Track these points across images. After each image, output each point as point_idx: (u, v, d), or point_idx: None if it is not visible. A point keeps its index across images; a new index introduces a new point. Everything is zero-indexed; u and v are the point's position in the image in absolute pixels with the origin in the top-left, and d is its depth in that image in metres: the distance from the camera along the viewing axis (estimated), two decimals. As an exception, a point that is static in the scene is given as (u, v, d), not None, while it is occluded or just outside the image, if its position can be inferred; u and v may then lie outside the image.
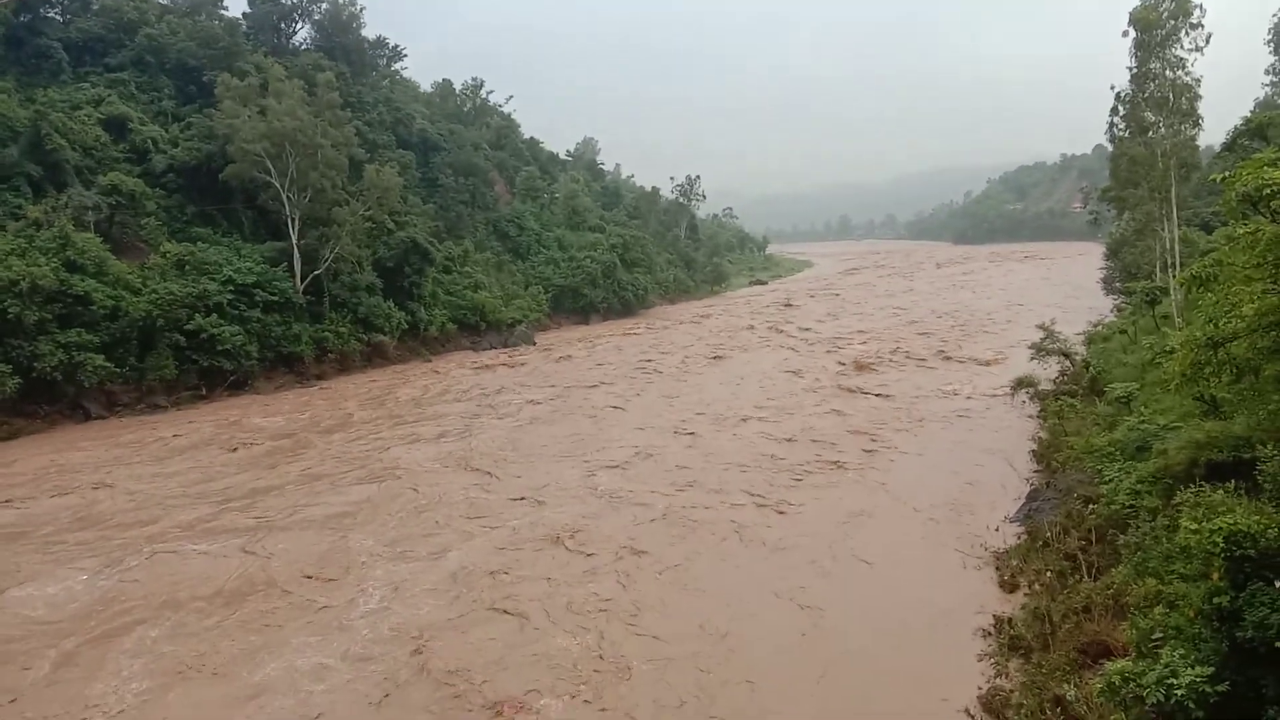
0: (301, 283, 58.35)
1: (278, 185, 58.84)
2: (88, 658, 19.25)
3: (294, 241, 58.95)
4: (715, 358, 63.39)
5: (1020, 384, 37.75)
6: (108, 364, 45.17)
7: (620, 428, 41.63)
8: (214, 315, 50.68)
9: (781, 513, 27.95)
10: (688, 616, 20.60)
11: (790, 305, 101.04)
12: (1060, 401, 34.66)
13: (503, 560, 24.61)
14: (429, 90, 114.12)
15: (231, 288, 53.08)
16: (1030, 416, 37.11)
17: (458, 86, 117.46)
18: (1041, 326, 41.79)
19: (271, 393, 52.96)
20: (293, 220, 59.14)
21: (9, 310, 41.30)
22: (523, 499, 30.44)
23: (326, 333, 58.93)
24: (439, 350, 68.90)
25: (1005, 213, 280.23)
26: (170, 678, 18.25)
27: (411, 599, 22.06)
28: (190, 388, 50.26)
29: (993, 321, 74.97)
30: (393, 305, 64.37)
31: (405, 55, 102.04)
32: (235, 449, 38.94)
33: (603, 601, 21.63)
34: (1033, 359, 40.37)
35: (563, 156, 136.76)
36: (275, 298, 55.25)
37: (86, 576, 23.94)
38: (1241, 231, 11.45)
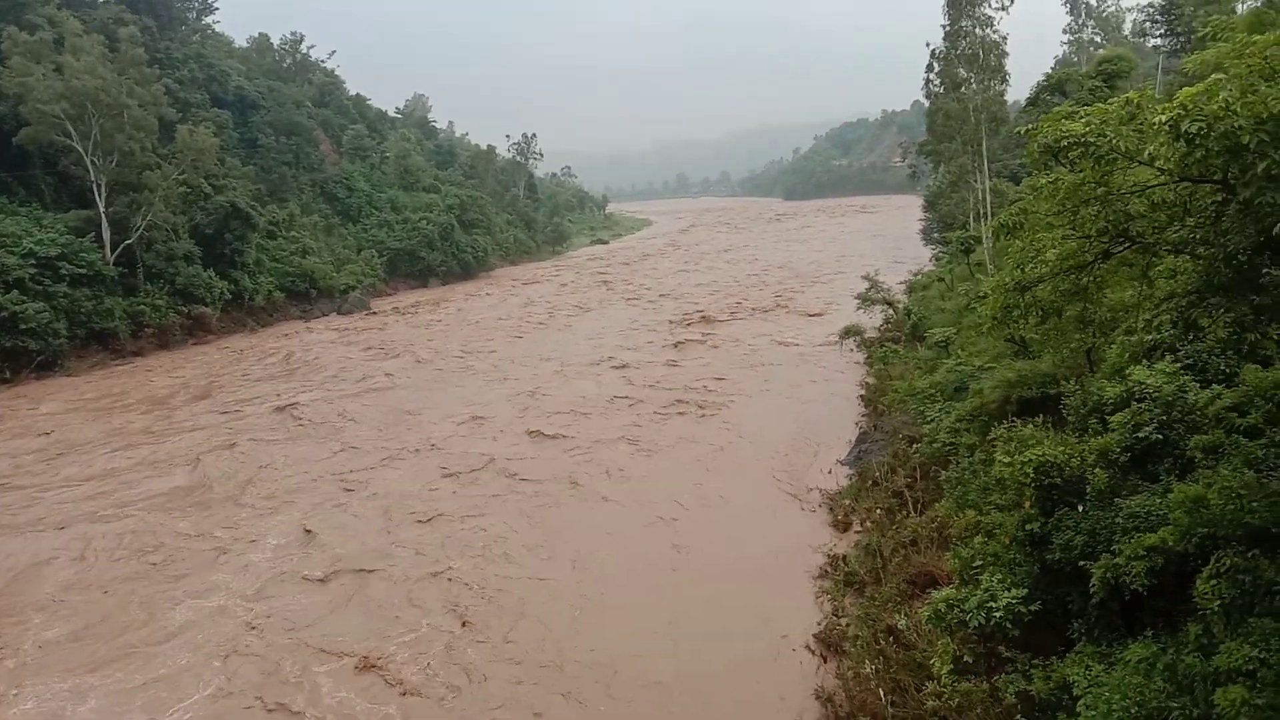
0: (112, 253, 54.38)
1: (80, 149, 54.43)
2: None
3: (101, 209, 54.78)
4: (567, 315, 63.59)
5: (848, 332, 39.30)
6: (-110, 348, 41.06)
7: (482, 383, 42.41)
8: (14, 291, 46.65)
9: (644, 455, 29.49)
10: (564, 553, 21.81)
11: (633, 263, 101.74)
12: (885, 348, 36.37)
13: (386, 506, 25.72)
14: (245, 45, 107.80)
15: (33, 261, 48.85)
16: (858, 363, 38.77)
17: (276, 41, 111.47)
18: (866, 277, 43.54)
19: (85, 373, 49.31)
20: (99, 186, 54.94)
21: None
22: (396, 453, 31.31)
23: (142, 306, 55.29)
24: (267, 320, 65.79)
25: (831, 168, 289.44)
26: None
27: (279, 565, 22.36)
28: (-10, 370, 46.28)
29: (822, 273, 77.68)
30: (214, 274, 60.88)
31: (216, 9, 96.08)
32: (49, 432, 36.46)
33: (488, 540, 22.79)
34: (859, 308, 42.03)
35: (392, 114, 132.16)
36: (83, 270, 51.30)
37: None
38: (1043, 181, 12.10)
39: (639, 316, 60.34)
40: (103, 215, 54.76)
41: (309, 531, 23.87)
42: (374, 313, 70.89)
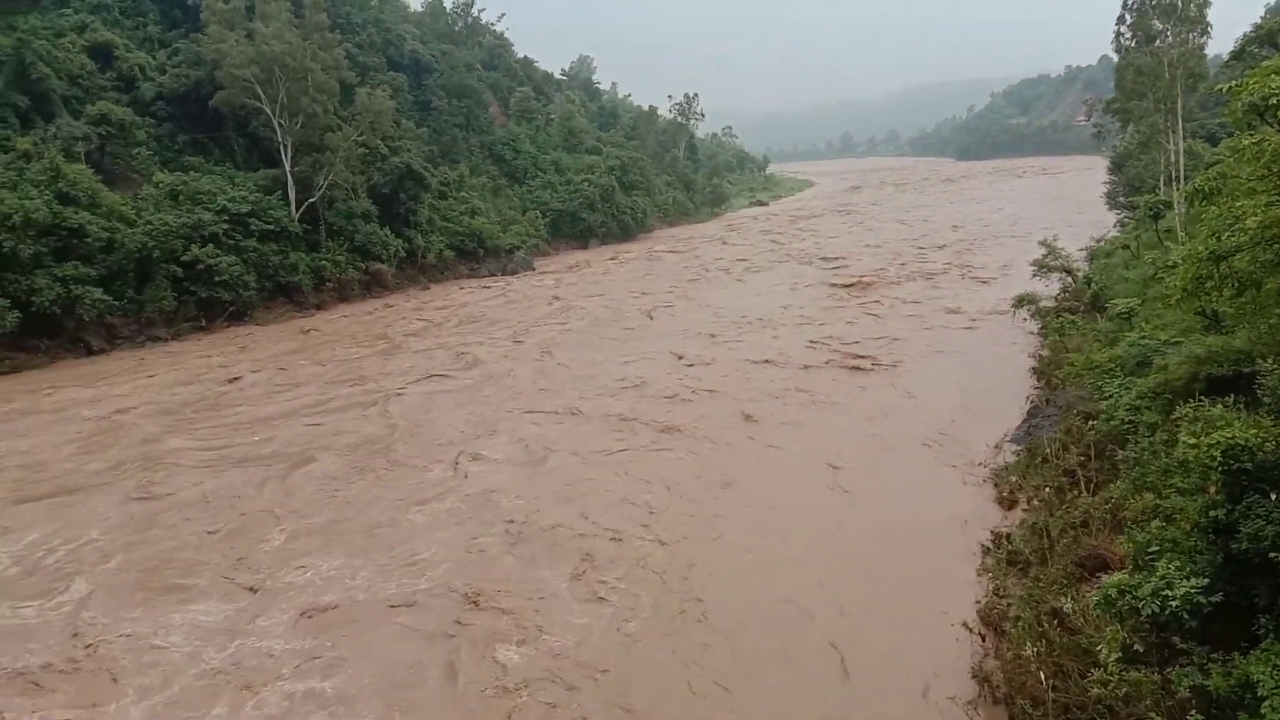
0: (297, 211, 57.69)
1: (269, 111, 57.84)
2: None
3: (287, 169, 58.16)
4: (727, 275, 63.84)
5: (1021, 301, 37.53)
6: (106, 297, 44.90)
7: (653, 335, 44.39)
8: (210, 245, 50.17)
9: (808, 411, 30.15)
10: (731, 498, 23.15)
11: (793, 224, 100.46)
12: (1061, 318, 34.60)
13: (577, 433, 29.11)
14: (419, 9, 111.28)
15: (226, 217, 52.36)
16: (1031, 333, 37.14)
17: (448, 5, 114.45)
18: (1043, 243, 41.41)
19: (271, 323, 52.76)
20: (285, 147, 58.27)
21: (3, 244, 40.89)
22: (574, 396, 33.87)
23: (324, 261, 58.44)
24: (437, 278, 68.32)
25: (1008, 127, 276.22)
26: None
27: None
28: (189, 319, 50.00)
29: (995, 237, 74.50)
30: (389, 233, 63.62)
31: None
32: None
33: (665, 477, 24.68)
34: (1034, 275, 40.08)
35: (557, 76, 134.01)
36: (271, 226, 54.67)
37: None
38: (1247, 143, 11.21)
39: (800, 277, 59.78)
40: (288, 174, 58.10)
41: (497, 460, 26.80)
42: (538, 272, 72.62)
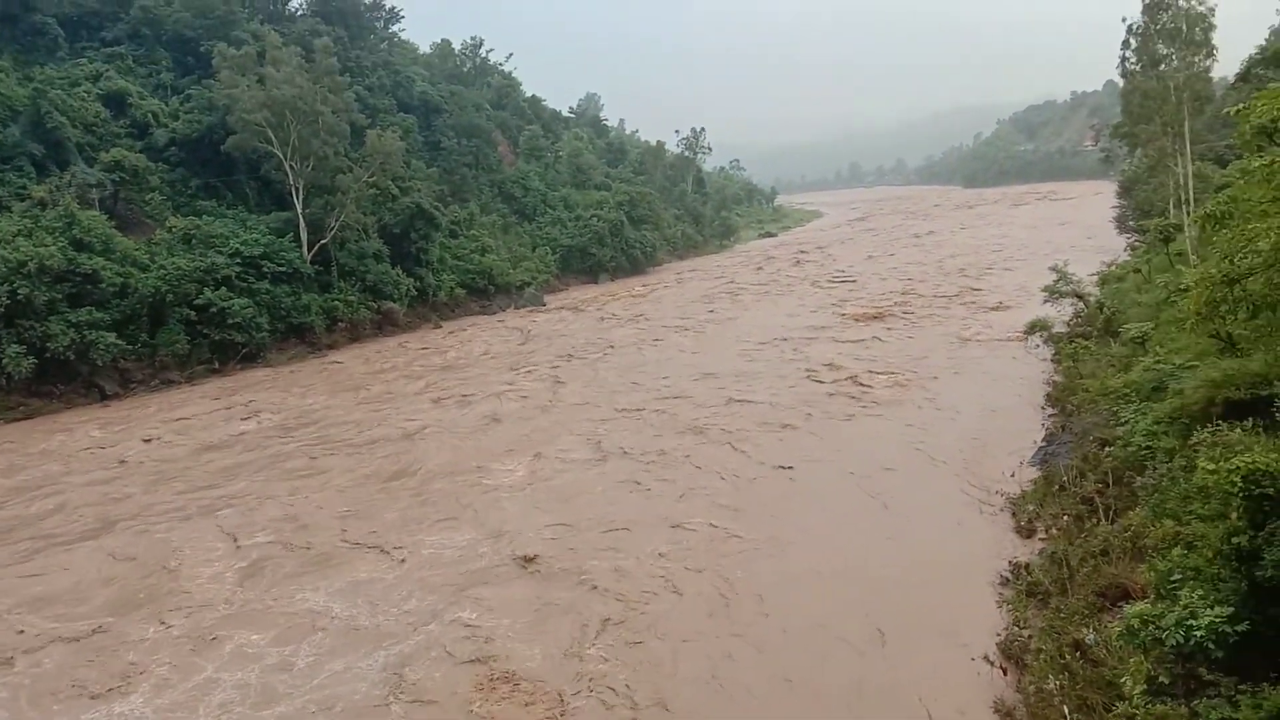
0: (309, 252, 58.12)
1: (280, 155, 58.46)
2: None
3: (299, 211, 58.67)
4: (739, 306, 64.18)
5: (1033, 327, 37.34)
6: (119, 342, 45.26)
7: (674, 363, 45.86)
8: (223, 288, 50.57)
9: (819, 443, 30.11)
10: (761, 526, 23.37)
11: (802, 254, 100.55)
12: (1074, 344, 34.36)
13: (622, 449, 31.16)
14: (428, 51, 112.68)
15: (239, 260, 52.82)
16: (1044, 360, 36.90)
17: (457, 47, 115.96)
18: (1054, 268, 41.25)
19: (284, 364, 52.93)
20: (297, 190, 58.81)
21: (18, 291, 41.35)
22: (608, 419, 35.78)
23: (336, 302, 58.79)
24: (449, 315, 68.52)
25: (1015, 154, 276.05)
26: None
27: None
28: (203, 362, 50.31)
29: (1004, 263, 74.37)
30: (401, 272, 63.98)
31: (402, 17, 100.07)
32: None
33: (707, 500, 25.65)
34: (1046, 301, 39.89)
35: (565, 114, 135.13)
36: (283, 268, 55.04)
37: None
38: (1257, 165, 11.15)
39: (809, 307, 59.70)
40: (300, 216, 58.59)
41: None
42: (548, 308, 72.64)
